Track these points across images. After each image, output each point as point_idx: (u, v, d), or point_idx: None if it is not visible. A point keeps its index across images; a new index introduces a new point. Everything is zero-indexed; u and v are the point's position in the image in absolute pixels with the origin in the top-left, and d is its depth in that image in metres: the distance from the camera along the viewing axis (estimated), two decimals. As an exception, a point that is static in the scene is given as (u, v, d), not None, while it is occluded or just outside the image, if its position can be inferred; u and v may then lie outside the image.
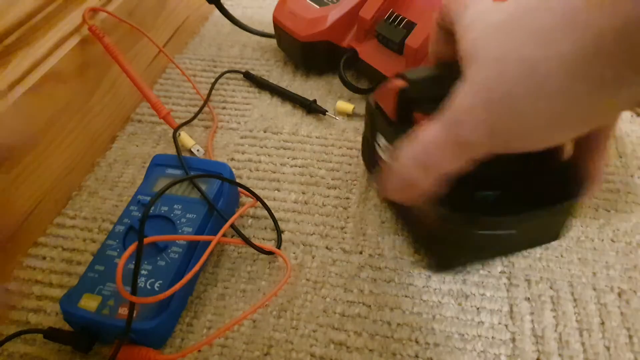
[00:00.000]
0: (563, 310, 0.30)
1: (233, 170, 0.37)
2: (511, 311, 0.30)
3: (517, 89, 0.19)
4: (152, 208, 0.33)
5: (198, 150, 0.42)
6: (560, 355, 0.28)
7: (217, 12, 0.59)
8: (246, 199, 0.38)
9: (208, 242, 0.32)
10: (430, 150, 0.22)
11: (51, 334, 0.29)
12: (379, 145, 0.31)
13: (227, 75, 0.50)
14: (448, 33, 0.26)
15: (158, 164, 0.36)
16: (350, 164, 0.40)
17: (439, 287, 0.32)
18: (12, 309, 0.32)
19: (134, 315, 0.28)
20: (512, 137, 0.21)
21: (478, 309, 0.30)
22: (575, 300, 0.30)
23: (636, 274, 0.32)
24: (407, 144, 0.23)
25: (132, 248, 0.25)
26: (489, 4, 0.22)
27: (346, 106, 0.44)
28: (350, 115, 0.45)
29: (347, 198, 0.37)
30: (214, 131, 0.44)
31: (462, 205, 0.26)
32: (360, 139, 0.42)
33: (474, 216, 0.27)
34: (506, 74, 0.19)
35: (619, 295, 0.31)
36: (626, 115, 0.42)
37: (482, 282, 0.32)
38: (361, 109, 0.45)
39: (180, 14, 0.54)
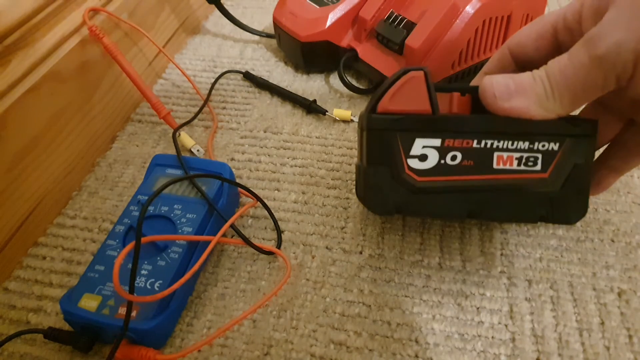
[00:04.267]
0: (563, 310, 0.30)
1: (233, 170, 0.37)
2: (511, 311, 0.30)
3: None
4: (153, 208, 0.33)
5: (198, 150, 0.42)
6: (560, 355, 0.28)
7: (217, 12, 0.59)
8: (246, 199, 0.38)
9: (208, 242, 0.32)
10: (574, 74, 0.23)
11: (51, 334, 0.29)
12: (413, 157, 0.26)
13: (227, 75, 0.50)
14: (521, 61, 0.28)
15: (158, 164, 0.36)
16: (350, 164, 0.40)
17: (439, 287, 0.32)
18: (12, 309, 0.32)
19: (135, 315, 0.28)
20: None
21: (478, 308, 0.30)
22: (575, 300, 0.30)
23: (636, 274, 0.32)
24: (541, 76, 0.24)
25: (129, 247, 0.25)
26: None
27: (344, 113, 0.44)
28: (348, 122, 0.44)
29: (347, 198, 0.37)
30: (214, 131, 0.44)
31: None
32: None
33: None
34: None
35: (619, 295, 0.31)
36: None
37: (482, 282, 0.32)
38: (359, 111, 0.45)
39: (180, 14, 0.54)
